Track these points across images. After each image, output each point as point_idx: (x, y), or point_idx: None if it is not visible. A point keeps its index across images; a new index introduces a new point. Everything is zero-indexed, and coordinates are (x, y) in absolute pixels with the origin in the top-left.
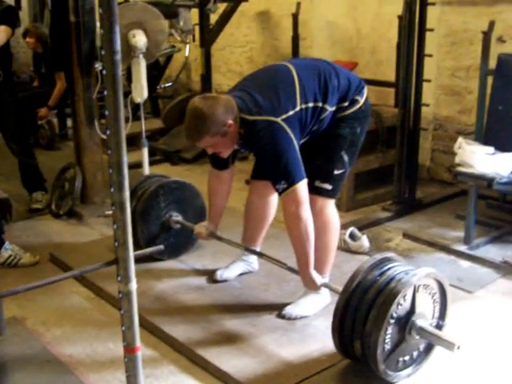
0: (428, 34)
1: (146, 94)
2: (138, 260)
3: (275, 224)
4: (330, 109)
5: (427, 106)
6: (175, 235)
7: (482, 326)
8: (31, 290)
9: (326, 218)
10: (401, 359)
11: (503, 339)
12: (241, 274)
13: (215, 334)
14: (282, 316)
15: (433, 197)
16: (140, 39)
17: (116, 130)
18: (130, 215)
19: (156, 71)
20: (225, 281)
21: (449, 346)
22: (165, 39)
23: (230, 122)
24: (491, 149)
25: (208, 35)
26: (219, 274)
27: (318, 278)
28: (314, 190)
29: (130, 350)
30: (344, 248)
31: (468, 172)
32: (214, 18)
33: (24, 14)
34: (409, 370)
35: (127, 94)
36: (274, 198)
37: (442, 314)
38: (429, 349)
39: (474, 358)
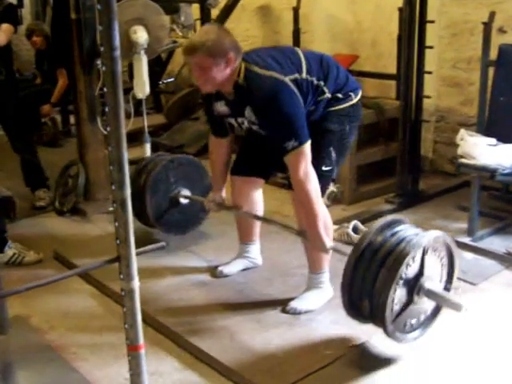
0: (428, 26)
1: (147, 89)
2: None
3: (278, 217)
4: (327, 94)
5: (429, 97)
6: (182, 212)
7: (487, 318)
8: (35, 288)
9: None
10: (408, 321)
11: (508, 331)
12: (244, 269)
13: (219, 329)
14: (286, 311)
15: (436, 189)
16: (141, 35)
17: (116, 126)
18: (139, 189)
19: (158, 67)
20: (226, 276)
21: (456, 307)
22: (166, 35)
23: (231, 55)
24: (493, 140)
25: None
26: (219, 271)
27: (327, 240)
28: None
29: (133, 348)
30: (347, 241)
31: (470, 163)
32: (214, 13)
33: (26, 12)
34: (416, 333)
35: (129, 90)
36: (257, 193)
37: (450, 278)
38: (435, 313)
39: (478, 350)
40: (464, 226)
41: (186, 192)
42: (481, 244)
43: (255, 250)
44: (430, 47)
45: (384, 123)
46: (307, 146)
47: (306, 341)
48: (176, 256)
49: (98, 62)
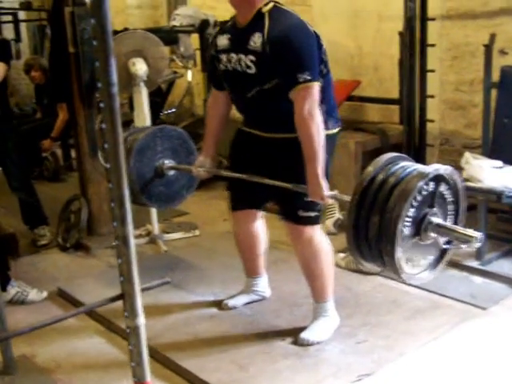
0: (430, 50)
1: (148, 121)
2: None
3: (282, 247)
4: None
5: (432, 121)
6: (166, 185)
7: (498, 342)
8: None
9: (316, 246)
10: (414, 257)
11: None
12: (252, 302)
13: (228, 362)
14: (299, 344)
15: None
16: (140, 67)
17: (116, 163)
18: (125, 153)
19: (159, 98)
20: (233, 308)
21: (468, 239)
22: (165, 66)
23: None
24: (499, 162)
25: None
26: (225, 304)
27: (326, 185)
28: (299, 221)
29: None
30: (355, 269)
31: (476, 187)
32: None
33: (24, 46)
34: (421, 275)
35: (130, 122)
36: (259, 225)
37: (456, 216)
38: (441, 256)
39: (491, 376)
40: (472, 249)
41: (171, 163)
42: (490, 268)
43: (263, 283)
44: (432, 71)
45: (388, 149)
46: (317, 87)
47: (315, 372)
48: (181, 290)
49: (98, 95)
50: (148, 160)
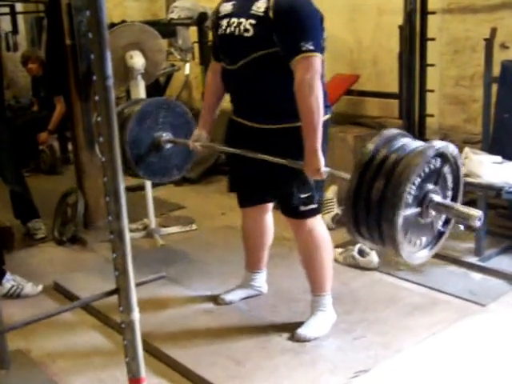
0: (430, 43)
1: None
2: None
3: (281, 243)
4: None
5: (432, 116)
6: (160, 159)
7: (497, 339)
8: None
9: (317, 236)
10: (411, 236)
11: None
12: (249, 297)
13: (224, 358)
14: (296, 339)
15: None
16: (138, 60)
17: (111, 156)
18: (124, 118)
19: (156, 91)
20: (230, 303)
21: (470, 217)
22: (163, 59)
23: None
24: (498, 158)
25: (207, 52)
26: (221, 298)
27: (323, 160)
28: (301, 215)
29: (135, 381)
30: (353, 264)
31: (476, 182)
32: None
33: (22, 38)
34: (419, 254)
35: None
36: (268, 220)
37: (455, 197)
38: (437, 239)
39: (489, 372)
40: (471, 245)
41: (169, 137)
42: (489, 264)
43: (261, 279)
44: (432, 65)
45: None
46: (319, 59)
47: (312, 368)
48: (178, 285)
49: None
50: (147, 128)
